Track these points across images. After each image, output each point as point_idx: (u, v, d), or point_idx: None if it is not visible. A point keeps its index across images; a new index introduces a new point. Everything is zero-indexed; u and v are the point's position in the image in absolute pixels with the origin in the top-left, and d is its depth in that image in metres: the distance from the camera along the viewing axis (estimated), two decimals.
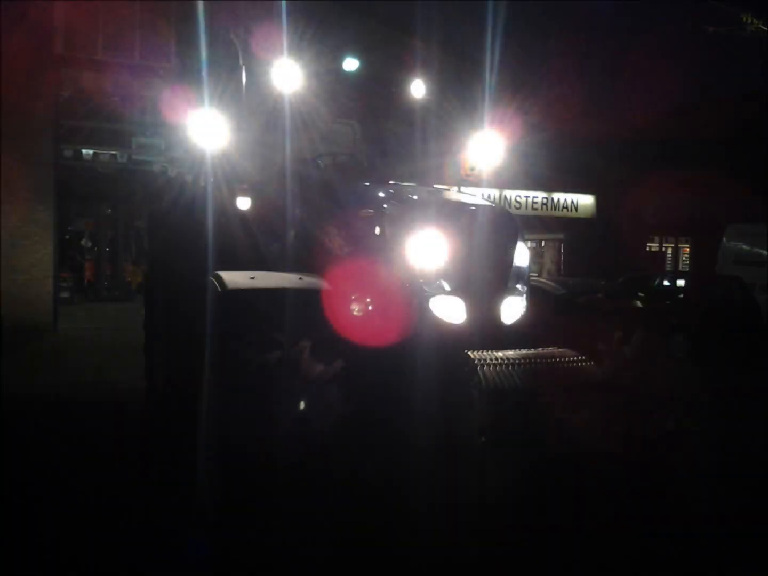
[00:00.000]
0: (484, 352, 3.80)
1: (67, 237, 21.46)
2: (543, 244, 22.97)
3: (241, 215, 5.14)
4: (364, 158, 5.71)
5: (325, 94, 5.35)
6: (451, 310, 4.16)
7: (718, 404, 4.93)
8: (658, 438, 3.98)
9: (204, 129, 5.17)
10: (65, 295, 17.37)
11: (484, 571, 3.47)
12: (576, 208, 21.65)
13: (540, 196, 20.90)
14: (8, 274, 12.64)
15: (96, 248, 21.44)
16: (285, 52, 5.10)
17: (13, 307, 12.08)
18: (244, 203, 5.16)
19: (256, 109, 5.36)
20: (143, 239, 20.32)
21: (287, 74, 5.07)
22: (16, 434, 5.86)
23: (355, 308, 4.11)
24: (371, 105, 5.76)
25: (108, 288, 20.72)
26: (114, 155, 17.90)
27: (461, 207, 4.71)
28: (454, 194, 5.33)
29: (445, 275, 4.18)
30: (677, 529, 3.88)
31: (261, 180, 5.25)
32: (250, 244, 4.99)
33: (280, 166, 5.11)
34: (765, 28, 14.94)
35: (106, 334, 13.25)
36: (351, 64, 5.62)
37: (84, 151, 17.59)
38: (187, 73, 11.35)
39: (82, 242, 21.66)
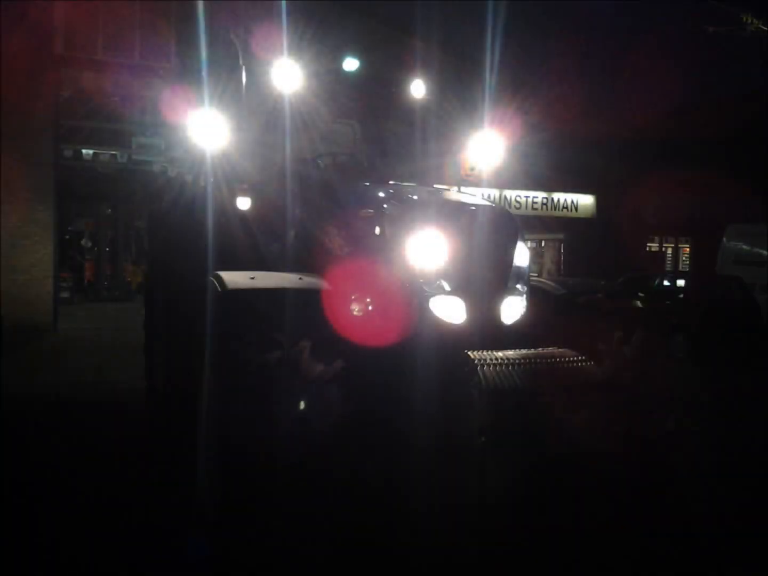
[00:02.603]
0: (484, 352, 3.80)
1: (67, 237, 21.48)
2: (543, 244, 22.98)
3: (241, 215, 5.14)
4: (364, 158, 5.71)
5: (325, 94, 5.35)
6: (451, 310, 4.16)
7: (718, 404, 4.93)
8: (658, 438, 3.97)
9: (204, 129, 5.17)
10: (65, 295, 17.38)
11: (484, 571, 3.47)
12: (576, 208, 21.66)
13: (540, 196, 20.91)
14: (8, 274, 12.65)
15: (96, 248, 21.45)
16: (285, 52, 5.10)
17: (13, 307, 12.08)
18: (244, 203, 5.16)
19: (256, 109, 5.36)
20: (143, 239, 20.33)
21: (287, 74, 5.07)
22: (16, 434, 5.86)
23: (355, 308, 4.11)
24: (371, 105, 5.76)
25: (108, 288, 20.73)
26: (114, 155, 17.91)
27: (461, 207, 4.71)
28: (454, 194, 5.33)
29: (445, 275, 4.17)
30: (677, 529, 3.88)
31: (261, 180, 5.25)
32: (250, 244, 4.98)
33: (280, 166, 5.11)
34: (765, 28, 14.94)
35: (106, 334, 13.25)
36: (351, 64, 5.62)
37: (84, 151, 17.59)
38: (187, 73, 11.36)
39: (82, 242, 21.68)
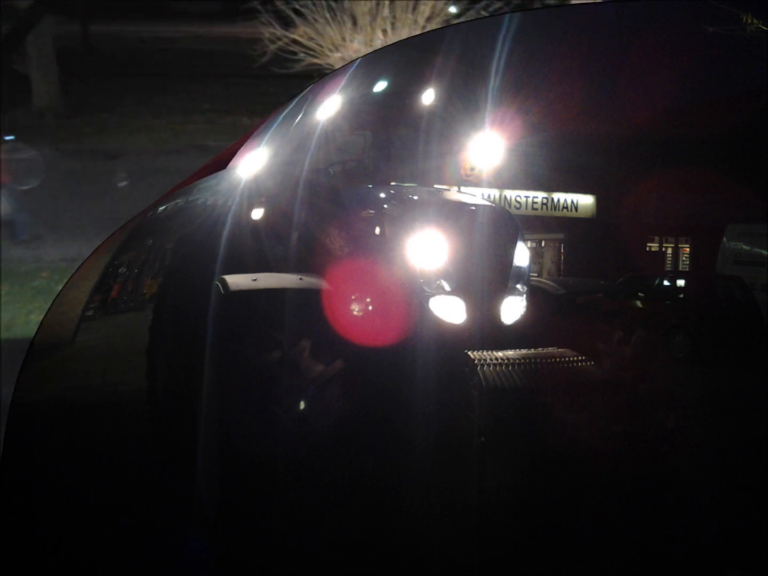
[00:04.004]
0: (484, 352, 3.81)
1: None
2: (543, 244, 22.98)
3: (253, 222, 5.14)
4: (370, 163, 5.70)
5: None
6: (451, 310, 4.17)
7: (718, 404, 4.94)
8: (658, 438, 3.98)
9: None
10: None
11: (484, 571, 3.48)
12: (576, 208, 21.62)
13: (540, 196, 20.86)
14: None
15: None
16: None
17: None
18: (258, 214, 5.16)
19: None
20: None
21: None
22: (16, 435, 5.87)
23: (355, 308, 4.12)
24: (384, 113, 5.75)
25: None
26: None
27: (461, 207, 4.71)
28: (454, 194, 5.33)
29: (445, 275, 4.18)
30: (677, 529, 3.88)
31: (277, 193, 5.24)
32: (256, 248, 4.99)
33: (297, 179, 5.10)
34: (765, 28, 14.97)
35: (113, 339, 13.24)
36: None
37: None
38: None
39: None
